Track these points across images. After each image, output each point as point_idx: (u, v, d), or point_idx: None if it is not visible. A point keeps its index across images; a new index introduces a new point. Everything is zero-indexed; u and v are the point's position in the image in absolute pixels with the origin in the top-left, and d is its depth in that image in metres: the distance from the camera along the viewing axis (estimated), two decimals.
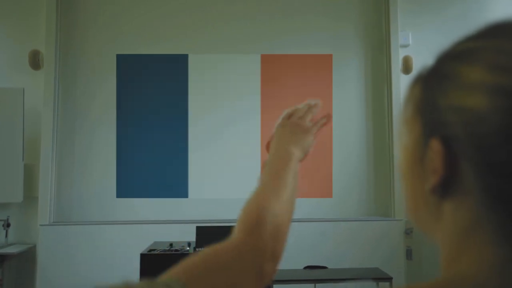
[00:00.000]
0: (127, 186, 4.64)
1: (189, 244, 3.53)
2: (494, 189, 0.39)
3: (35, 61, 4.52)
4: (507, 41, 0.41)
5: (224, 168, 4.73)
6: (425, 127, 0.44)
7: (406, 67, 4.73)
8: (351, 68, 4.88)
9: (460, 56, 0.44)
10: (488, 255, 0.40)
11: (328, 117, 0.91)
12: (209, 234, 3.39)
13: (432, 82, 0.45)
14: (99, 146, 4.66)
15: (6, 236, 4.36)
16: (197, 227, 3.45)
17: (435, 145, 0.42)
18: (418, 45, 4.77)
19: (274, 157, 0.80)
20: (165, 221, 4.51)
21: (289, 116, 0.87)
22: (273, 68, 4.82)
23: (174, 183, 4.67)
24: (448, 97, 0.42)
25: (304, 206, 4.67)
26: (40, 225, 4.36)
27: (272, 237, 0.63)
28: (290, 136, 0.83)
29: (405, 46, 4.79)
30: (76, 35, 4.75)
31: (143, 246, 3.54)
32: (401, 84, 4.73)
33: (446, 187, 0.42)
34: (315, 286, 3.58)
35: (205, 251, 0.56)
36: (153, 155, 4.68)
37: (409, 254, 4.49)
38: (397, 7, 4.79)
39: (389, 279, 3.40)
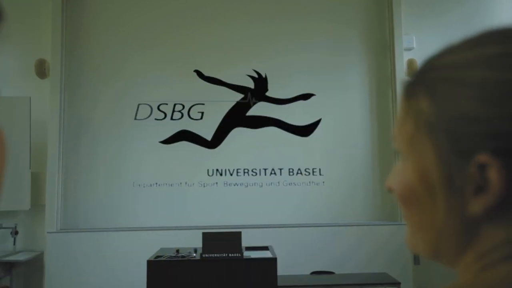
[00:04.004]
0: (131, 190, 4.67)
1: (195, 250, 3.53)
2: None
3: (42, 70, 4.57)
4: None
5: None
6: (458, 143, 0.39)
7: (411, 70, 4.73)
8: (354, 72, 4.89)
9: (474, 63, 0.41)
10: None
11: None
12: (215, 240, 3.39)
13: (453, 93, 0.40)
14: (103, 152, 4.70)
15: (14, 243, 4.39)
16: (203, 233, 3.45)
17: (486, 161, 0.37)
18: (423, 48, 4.77)
19: None
20: (171, 227, 4.52)
21: None
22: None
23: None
24: (494, 105, 0.38)
25: (309, 211, 4.67)
26: (48, 232, 4.38)
27: None
28: None
29: (409, 49, 4.80)
30: (81, 44, 4.80)
31: (150, 253, 3.54)
32: None
33: (498, 207, 0.38)
34: None
35: None
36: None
37: (416, 259, 4.46)
38: (400, 11, 4.81)
39: (397, 284, 3.38)
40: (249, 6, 4.92)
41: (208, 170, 4.75)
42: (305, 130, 4.85)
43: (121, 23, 4.85)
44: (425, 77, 0.43)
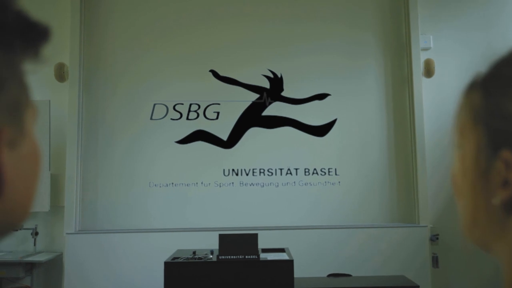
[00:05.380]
0: (149, 192, 4.72)
1: (212, 252, 3.55)
2: None
3: (61, 73, 4.63)
4: None
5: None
6: (491, 136, 0.41)
7: (428, 70, 4.67)
8: (370, 73, 4.84)
9: None
10: None
11: None
12: (232, 242, 3.40)
13: (498, 89, 0.42)
14: (120, 153, 4.75)
15: (35, 244, 4.47)
16: (220, 235, 3.46)
17: (509, 157, 0.39)
18: (440, 48, 4.70)
19: None
20: (188, 229, 4.55)
21: None
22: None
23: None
24: None
25: (325, 211, 4.65)
26: (67, 233, 4.45)
27: None
28: None
29: (426, 49, 4.73)
30: (98, 47, 4.85)
31: (167, 254, 3.58)
32: (423, 87, 4.68)
33: None
34: None
35: None
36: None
37: (435, 261, 4.41)
38: (417, 12, 4.74)
39: (415, 287, 3.34)
40: (265, 7, 4.90)
41: (224, 170, 4.77)
42: (320, 130, 4.82)
43: (137, 24, 4.88)
44: (488, 72, 0.44)
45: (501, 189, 0.40)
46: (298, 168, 4.78)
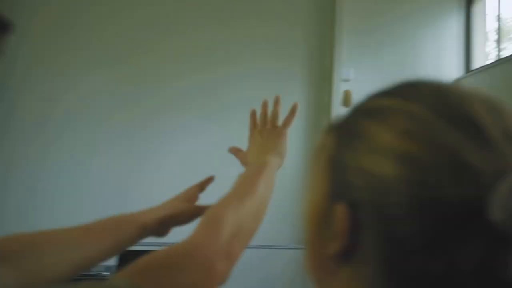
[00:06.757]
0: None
1: None
2: (393, 263, 0.35)
3: None
4: (418, 105, 0.37)
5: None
6: (333, 186, 0.40)
7: (346, 101, 4.88)
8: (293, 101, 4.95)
9: (371, 113, 0.40)
10: None
11: (293, 109, 0.91)
12: None
13: (344, 138, 0.41)
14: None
15: None
16: None
17: (340, 210, 0.38)
18: (359, 80, 4.96)
19: (249, 167, 0.80)
20: None
21: (262, 122, 0.91)
22: None
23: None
24: (357, 158, 0.38)
25: None
26: None
27: (228, 238, 0.59)
28: (266, 144, 0.85)
29: (346, 80, 4.96)
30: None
31: None
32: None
33: (347, 254, 0.38)
34: None
35: (159, 251, 0.53)
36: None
37: None
38: (342, 44, 4.99)
39: None
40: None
41: None
42: None
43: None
44: (344, 118, 0.44)
45: (333, 239, 0.38)
46: None
